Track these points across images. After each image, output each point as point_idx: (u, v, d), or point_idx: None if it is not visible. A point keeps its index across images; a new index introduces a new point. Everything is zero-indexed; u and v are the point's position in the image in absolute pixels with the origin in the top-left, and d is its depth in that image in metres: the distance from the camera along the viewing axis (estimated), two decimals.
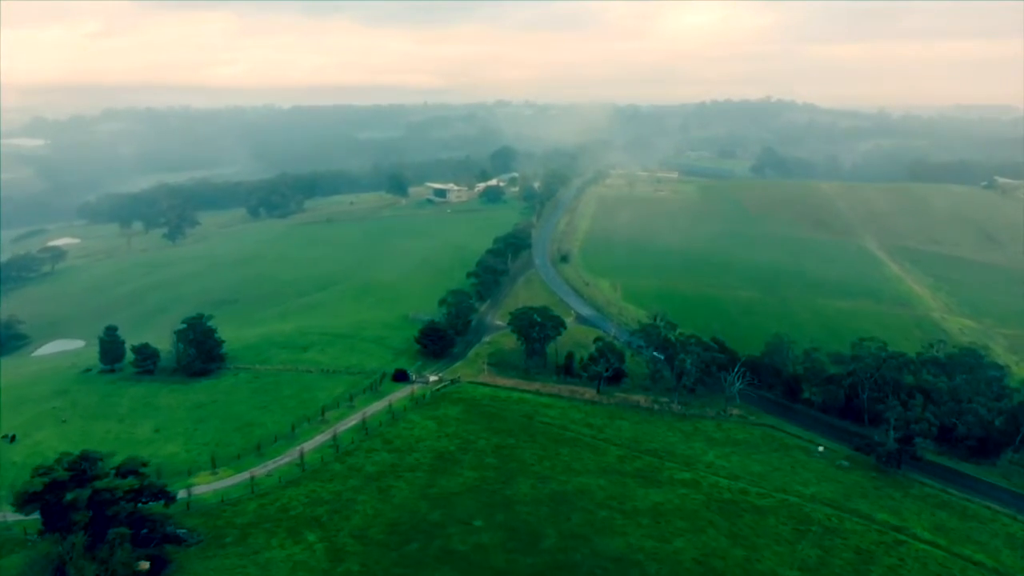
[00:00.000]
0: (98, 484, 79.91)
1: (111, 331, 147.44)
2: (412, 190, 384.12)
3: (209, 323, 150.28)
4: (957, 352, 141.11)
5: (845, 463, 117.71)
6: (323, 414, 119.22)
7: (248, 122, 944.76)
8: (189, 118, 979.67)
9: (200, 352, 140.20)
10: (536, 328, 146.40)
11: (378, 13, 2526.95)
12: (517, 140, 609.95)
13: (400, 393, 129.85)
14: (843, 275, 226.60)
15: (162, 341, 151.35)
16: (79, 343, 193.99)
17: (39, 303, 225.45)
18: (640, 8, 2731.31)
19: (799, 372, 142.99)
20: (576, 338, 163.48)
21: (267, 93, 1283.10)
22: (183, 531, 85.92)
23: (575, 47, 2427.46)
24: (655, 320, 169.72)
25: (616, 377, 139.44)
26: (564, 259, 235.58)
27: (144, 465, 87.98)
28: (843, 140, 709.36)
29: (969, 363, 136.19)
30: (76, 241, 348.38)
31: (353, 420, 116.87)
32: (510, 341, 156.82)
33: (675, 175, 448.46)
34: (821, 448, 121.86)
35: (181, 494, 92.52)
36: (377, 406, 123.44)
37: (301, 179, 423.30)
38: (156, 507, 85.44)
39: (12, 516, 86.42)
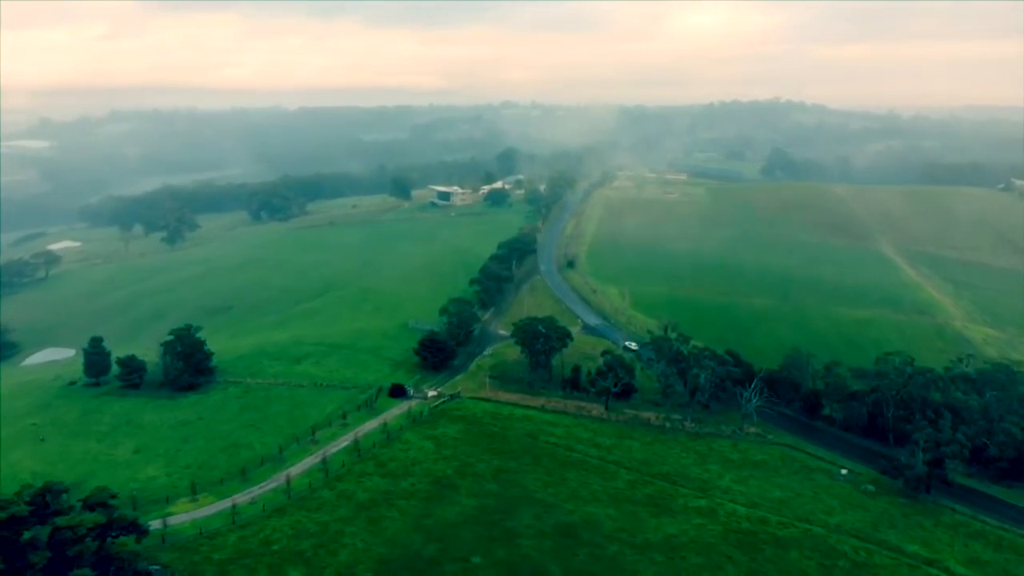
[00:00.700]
0: (60, 520, 73.32)
1: (96, 343, 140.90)
2: (416, 193, 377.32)
3: (198, 334, 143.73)
4: (989, 368, 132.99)
5: (871, 487, 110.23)
6: (313, 434, 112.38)
7: (254, 124, 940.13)
8: (195, 120, 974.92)
9: (188, 365, 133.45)
10: (541, 340, 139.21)
11: (384, 14, 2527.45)
12: (523, 142, 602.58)
13: (396, 410, 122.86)
14: (860, 281, 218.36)
15: (153, 351, 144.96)
16: (70, 352, 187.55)
17: (31, 309, 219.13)
18: (648, 9, 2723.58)
19: (819, 387, 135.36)
20: (583, 349, 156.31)
21: (273, 95, 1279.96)
22: (156, 568, 79.17)
23: (582, 48, 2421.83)
24: (666, 330, 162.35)
25: (625, 392, 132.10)
26: (570, 265, 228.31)
27: (113, 496, 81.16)
28: (853, 141, 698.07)
29: (1001, 379, 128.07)
30: (76, 244, 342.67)
31: (345, 440, 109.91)
32: (514, 352, 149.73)
33: (684, 177, 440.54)
34: (845, 471, 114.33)
35: (156, 525, 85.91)
36: (371, 424, 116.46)
37: (304, 182, 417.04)
38: (127, 542, 78.70)
39: None
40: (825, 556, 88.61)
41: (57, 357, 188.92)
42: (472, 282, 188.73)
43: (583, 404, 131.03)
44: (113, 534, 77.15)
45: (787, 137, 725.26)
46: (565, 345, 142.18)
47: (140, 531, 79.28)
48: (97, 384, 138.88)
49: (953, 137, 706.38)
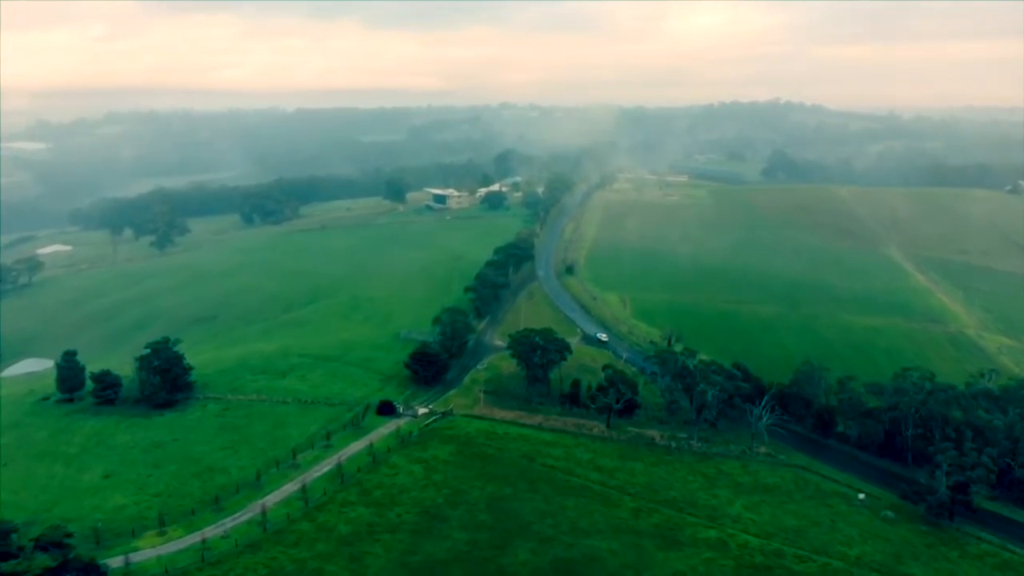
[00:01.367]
0: (5, 566, 66.01)
1: (69, 357, 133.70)
2: (411, 196, 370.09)
3: (181, 345, 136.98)
4: (1013, 384, 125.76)
5: (890, 514, 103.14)
6: (295, 457, 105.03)
7: (251, 125, 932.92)
8: (192, 121, 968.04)
9: (165, 381, 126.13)
10: (538, 353, 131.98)
11: (383, 16, 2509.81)
12: (521, 143, 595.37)
13: (384, 429, 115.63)
14: (868, 287, 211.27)
15: (130, 365, 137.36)
16: (49, 363, 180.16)
17: (12, 317, 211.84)
18: (646, 10, 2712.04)
19: (832, 404, 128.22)
20: (582, 361, 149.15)
21: (271, 96, 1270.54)
22: None
23: (581, 49, 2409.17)
24: (669, 341, 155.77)
25: (628, 409, 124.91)
26: (569, 270, 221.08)
27: (69, 536, 74.11)
28: (854, 142, 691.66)
29: None
30: (67, 248, 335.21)
31: (328, 464, 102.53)
32: (510, 365, 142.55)
33: (684, 179, 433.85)
34: (862, 495, 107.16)
35: (117, 562, 78.72)
36: (357, 446, 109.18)
37: (298, 184, 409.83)
38: None
39: None
40: None
41: (36, 369, 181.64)
42: (467, 290, 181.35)
43: (583, 421, 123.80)
44: None
45: (787, 138, 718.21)
46: (564, 358, 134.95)
47: (98, 573, 72.09)
48: (71, 400, 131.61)
49: (955, 138, 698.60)
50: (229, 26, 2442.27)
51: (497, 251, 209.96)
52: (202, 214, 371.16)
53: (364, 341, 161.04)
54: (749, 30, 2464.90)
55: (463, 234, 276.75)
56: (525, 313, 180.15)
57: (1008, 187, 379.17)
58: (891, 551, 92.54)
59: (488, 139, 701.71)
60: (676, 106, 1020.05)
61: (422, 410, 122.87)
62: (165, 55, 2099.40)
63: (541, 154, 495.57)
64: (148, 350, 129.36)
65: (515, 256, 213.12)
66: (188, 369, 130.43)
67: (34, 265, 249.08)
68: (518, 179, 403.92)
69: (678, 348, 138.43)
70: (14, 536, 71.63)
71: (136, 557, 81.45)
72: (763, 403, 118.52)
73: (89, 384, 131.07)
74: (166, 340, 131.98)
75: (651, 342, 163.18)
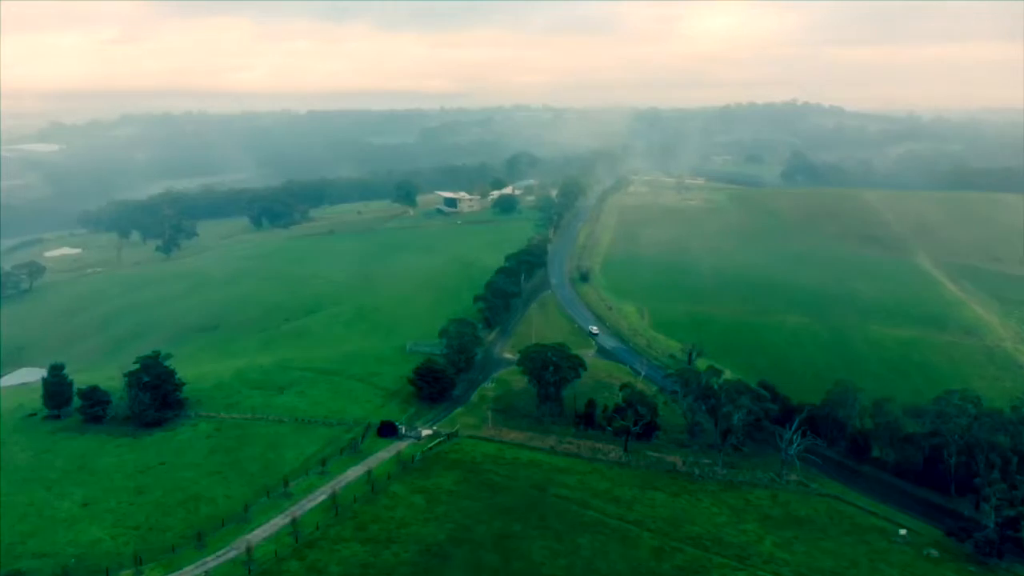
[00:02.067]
0: None
1: (56, 370, 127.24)
2: (422, 199, 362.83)
3: (175, 358, 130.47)
4: None
5: (934, 552, 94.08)
6: (286, 485, 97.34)
7: (263, 127, 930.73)
8: (205, 123, 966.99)
9: (155, 398, 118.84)
10: (551, 369, 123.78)
11: (395, 18, 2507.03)
12: (534, 145, 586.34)
13: (384, 453, 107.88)
14: (898, 297, 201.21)
15: (121, 378, 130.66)
16: (43, 373, 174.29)
17: (9, 324, 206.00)
18: (660, 10, 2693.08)
19: (867, 427, 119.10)
20: (598, 376, 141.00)
21: (284, 98, 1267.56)
22: None
23: (595, 50, 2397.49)
24: (690, 357, 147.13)
25: (647, 432, 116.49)
26: (583, 278, 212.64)
27: None
28: (874, 144, 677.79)
29: None
30: (75, 251, 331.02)
31: (323, 494, 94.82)
32: (520, 380, 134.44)
33: (701, 182, 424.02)
34: (903, 531, 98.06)
35: None
36: (354, 472, 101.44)
37: (308, 187, 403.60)
38: None
39: None
40: None
41: (31, 379, 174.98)
42: (476, 299, 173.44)
43: (599, 445, 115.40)
44: None
45: (805, 140, 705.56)
46: (578, 375, 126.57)
47: None
48: (58, 416, 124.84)
49: (976, 140, 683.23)
50: (241, 28, 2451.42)
51: (508, 258, 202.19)
52: (211, 217, 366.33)
53: (368, 353, 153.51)
54: (764, 31, 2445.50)
55: (474, 239, 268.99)
56: (537, 323, 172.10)
57: None
58: None
59: (500, 141, 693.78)
60: (691, 107, 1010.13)
61: (426, 432, 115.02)
62: (179, 57, 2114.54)
63: (554, 156, 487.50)
64: (137, 365, 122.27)
65: (527, 263, 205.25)
66: (179, 385, 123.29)
67: (35, 270, 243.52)
68: (531, 182, 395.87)
69: (701, 365, 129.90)
70: None
71: None
72: (794, 427, 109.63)
73: (77, 400, 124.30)
74: (156, 354, 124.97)
75: (671, 356, 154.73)
